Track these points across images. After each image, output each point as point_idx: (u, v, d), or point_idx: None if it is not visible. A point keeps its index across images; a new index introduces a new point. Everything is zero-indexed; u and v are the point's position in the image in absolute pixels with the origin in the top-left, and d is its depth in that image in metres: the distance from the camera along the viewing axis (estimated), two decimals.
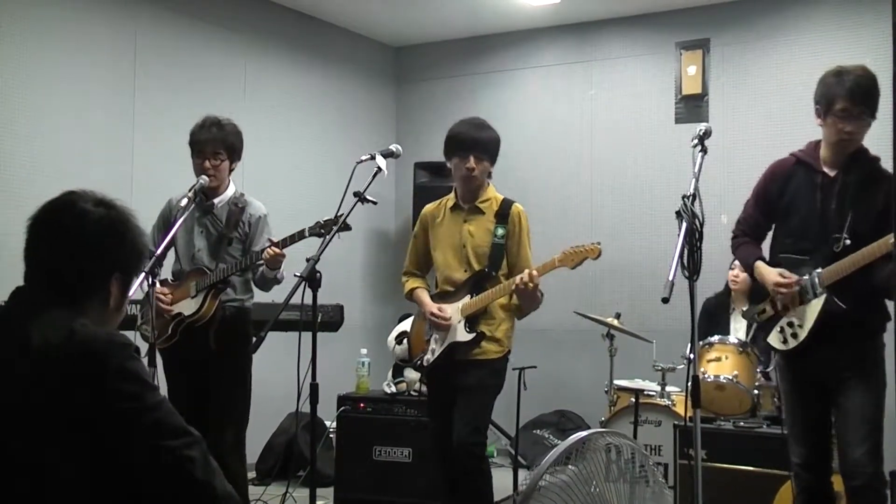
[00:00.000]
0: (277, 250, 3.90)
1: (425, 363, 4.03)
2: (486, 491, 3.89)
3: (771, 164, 3.58)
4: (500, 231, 3.96)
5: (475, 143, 3.98)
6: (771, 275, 3.41)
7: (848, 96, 3.27)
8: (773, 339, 3.48)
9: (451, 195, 4.13)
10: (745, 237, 3.59)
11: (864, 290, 3.27)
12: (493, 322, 3.95)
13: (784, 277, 3.37)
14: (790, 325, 3.39)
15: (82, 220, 1.86)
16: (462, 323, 3.92)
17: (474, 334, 3.90)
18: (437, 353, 3.98)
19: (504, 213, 3.99)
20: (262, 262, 3.97)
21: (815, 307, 3.32)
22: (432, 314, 3.97)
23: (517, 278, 3.79)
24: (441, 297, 4.06)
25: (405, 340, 4.39)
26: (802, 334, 3.35)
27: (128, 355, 1.76)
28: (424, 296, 4.10)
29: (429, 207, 4.21)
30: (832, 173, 3.40)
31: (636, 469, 2.50)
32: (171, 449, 1.74)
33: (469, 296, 3.94)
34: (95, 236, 1.86)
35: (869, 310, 3.36)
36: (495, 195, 4.07)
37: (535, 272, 3.77)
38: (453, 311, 3.96)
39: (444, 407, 3.97)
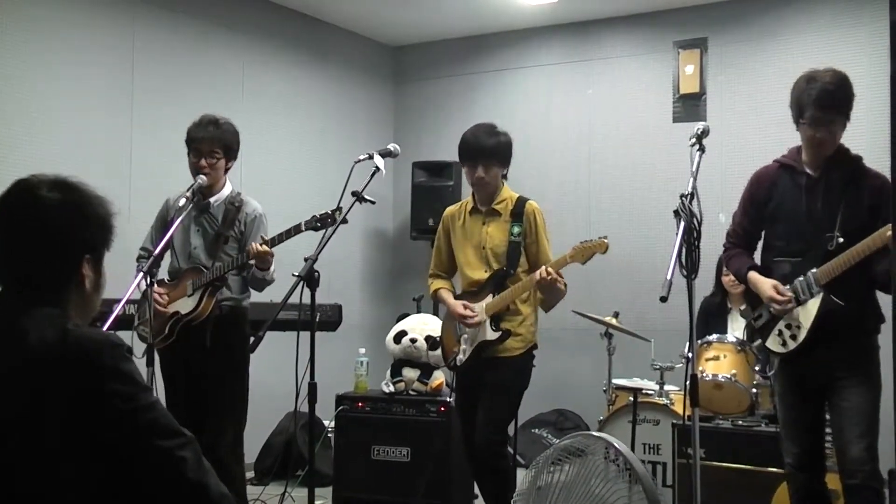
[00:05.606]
0: (264, 248, 3.91)
1: (458, 363, 4.14)
2: (504, 488, 3.98)
3: (755, 172, 3.61)
4: (516, 229, 4.05)
5: (481, 151, 4.06)
6: (766, 287, 3.40)
7: (816, 104, 3.32)
8: (772, 343, 3.45)
9: (470, 198, 4.23)
10: (737, 248, 3.61)
11: (859, 286, 3.28)
12: (517, 318, 4.04)
13: (779, 292, 3.35)
14: (788, 327, 3.39)
15: (39, 209, 1.79)
16: (487, 322, 4.02)
17: (500, 332, 3.99)
18: (468, 353, 4.08)
19: (519, 211, 4.09)
20: (252, 262, 3.98)
21: (812, 307, 3.31)
22: (460, 314, 4.06)
23: (536, 275, 3.88)
24: (465, 298, 4.15)
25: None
26: (802, 335, 3.34)
27: (121, 356, 1.74)
28: (449, 296, 4.20)
29: (450, 210, 4.31)
30: (815, 174, 3.42)
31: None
32: (164, 449, 1.73)
33: (491, 295, 4.04)
34: (56, 223, 1.80)
35: (865, 307, 3.36)
36: (510, 195, 4.16)
37: (550, 268, 3.86)
38: (478, 310, 4.06)
39: (471, 407, 4.08)
